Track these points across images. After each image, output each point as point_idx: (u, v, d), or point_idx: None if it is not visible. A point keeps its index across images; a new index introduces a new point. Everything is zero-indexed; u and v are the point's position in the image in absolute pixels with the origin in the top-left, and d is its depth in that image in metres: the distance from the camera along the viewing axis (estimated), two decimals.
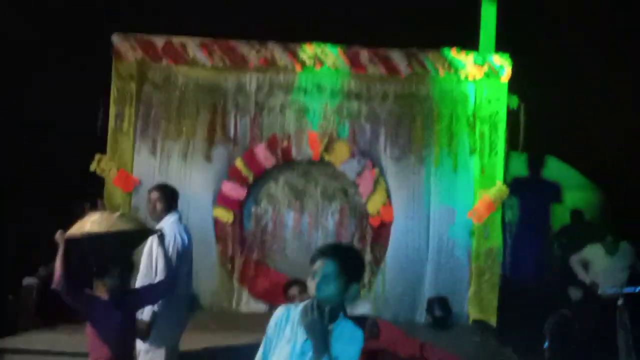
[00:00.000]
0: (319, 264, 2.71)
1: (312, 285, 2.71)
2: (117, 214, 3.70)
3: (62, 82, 7.10)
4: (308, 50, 7.19)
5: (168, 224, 4.63)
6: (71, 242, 3.74)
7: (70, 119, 7.12)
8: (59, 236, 3.77)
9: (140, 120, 7.28)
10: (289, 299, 4.57)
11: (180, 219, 4.77)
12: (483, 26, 7.90)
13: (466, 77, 7.18)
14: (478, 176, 7.14)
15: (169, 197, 4.77)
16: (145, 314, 4.31)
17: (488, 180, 7.10)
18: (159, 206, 4.70)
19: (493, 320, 6.98)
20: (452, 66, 7.15)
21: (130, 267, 3.93)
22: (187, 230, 4.79)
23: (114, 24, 7.20)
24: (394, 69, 7.17)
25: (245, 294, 7.29)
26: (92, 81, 7.23)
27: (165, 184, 5.12)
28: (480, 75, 7.14)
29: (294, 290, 4.59)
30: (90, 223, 3.65)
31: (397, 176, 7.21)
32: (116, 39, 7.14)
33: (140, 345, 4.36)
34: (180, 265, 4.53)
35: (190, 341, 5.10)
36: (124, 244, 3.89)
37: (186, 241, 4.67)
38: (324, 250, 2.78)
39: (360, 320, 4.86)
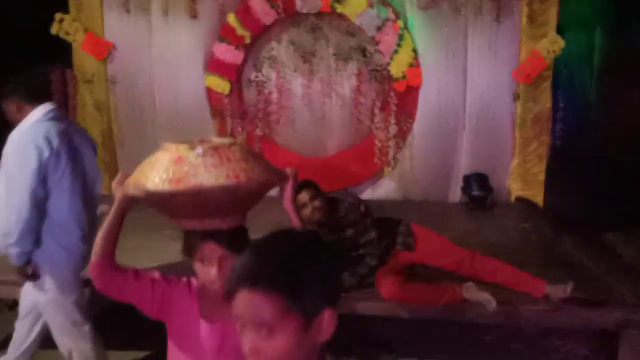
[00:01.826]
0: (239, 304, 1.29)
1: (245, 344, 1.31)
2: (212, 144, 1.94)
3: None
4: None
5: (24, 128, 3.02)
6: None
7: None
8: (115, 187, 2.08)
9: None
10: (298, 208, 3.68)
11: (54, 115, 3.07)
12: None
13: None
14: (526, 26, 5.98)
15: (17, 91, 3.08)
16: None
17: (538, 31, 5.97)
18: (11, 108, 3.08)
19: (539, 198, 6.19)
20: None
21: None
22: (68, 132, 3.07)
23: None
24: None
25: None
26: None
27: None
28: None
29: (303, 197, 3.69)
30: (166, 168, 1.91)
31: (426, 29, 6.07)
32: None
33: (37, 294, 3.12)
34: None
35: None
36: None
37: (62, 151, 2.99)
38: (241, 276, 1.29)
39: (388, 226, 4.05)
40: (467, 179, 6.11)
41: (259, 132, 6.33)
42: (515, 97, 6.08)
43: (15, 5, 5.92)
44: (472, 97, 6.11)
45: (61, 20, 5.94)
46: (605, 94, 6.68)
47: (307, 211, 3.74)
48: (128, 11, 6.06)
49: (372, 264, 3.78)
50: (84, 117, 6.21)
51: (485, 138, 6.15)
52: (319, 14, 6.15)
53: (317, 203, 3.74)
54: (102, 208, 5.62)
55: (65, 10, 6.01)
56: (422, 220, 5.67)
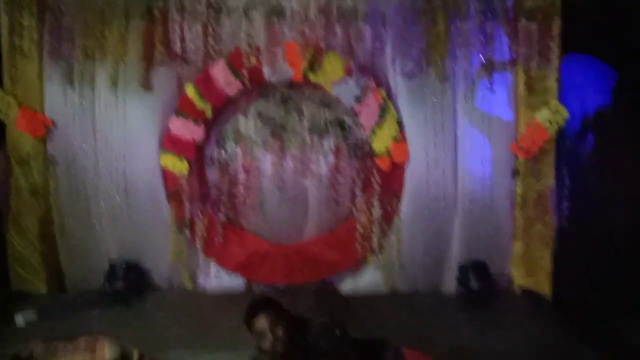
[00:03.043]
0: None
1: None
2: None
3: None
4: None
5: None
6: None
7: None
8: None
9: (46, 36, 5.32)
10: (256, 336, 2.88)
11: None
12: None
13: None
14: (523, 94, 5.35)
15: None
16: None
17: (537, 99, 5.33)
18: None
19: (545, 286, 5.44)
20: None
21: None
22: None
23: None
24: None
25: (213, 267, 5.63)
26: None
27: None
28: None
29: (262, 323, 2.90)
30: None
31: (411, 99, 5.38)
32: None
33: None
34: None
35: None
36: None
37: None
38: None
39: (371, 352, 3.21)
40: (462, 268, 5.34)
41: (222, 217, 5.51)
42: (515, 173, 5.39)
43: None
44: (465, 174, 5.39)
45: None
46: (616, 166, 6.01)
47: (266, 343, 2.94)
48: (71, 83, 5.30)
49: None
50: (19, 205, 5.35)
51: (482, 220, 5.40)
52: (290, 84, 5.48)
53: (279, 331, 2.93)
54: (25, 317, 4.71)
55: None
56: (412, 319, 4.97)
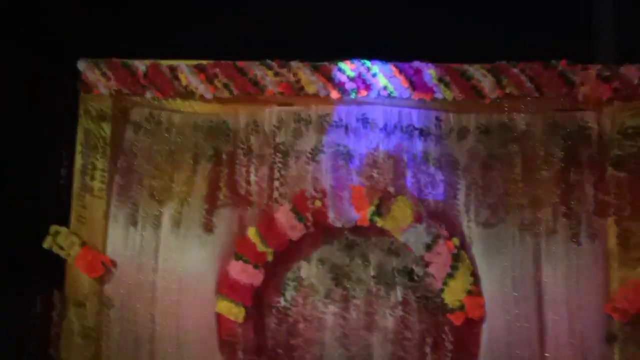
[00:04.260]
0: None
1: None
2: None
3: (11, 124, 5.29)
4: (349, 70, 5.11)
5: None
6: None
7: (21, 175, 5.27)
8: None
9: (117, 177, 5.34)
10: None
11: None
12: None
13: (586, 99, 4.90)
14: (615, 249, 4.78)
15: None
16: None
17: (633, 255, 4.74)
18: None
19: None
20: (564, 83, 4.88)
21: None
22: None
23: (79, 46, 5.37)
24: (475, 90, 4.97)
25: None
26: (52, 124, 5.39)
27: None
28: (607, 95, 4.85)
29: None
30: None
31: (487, 249, 4.94)
32: (83, 65, 5.31)
33: None
34: None
35: None
36: None
37: None
38: None
39: None
40: None
41: None
42: (610, 338, 4.66)
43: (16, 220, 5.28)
44: (551, 337, 4.75)
45: (56, 234, 5.13)
46: None
47: None
48: (135, 224, 5.23)
49: None
50: (67, 348, 5.06)
51: None
52: (356, 229, 5.17)
53: None
54: None
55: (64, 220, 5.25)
56: None
